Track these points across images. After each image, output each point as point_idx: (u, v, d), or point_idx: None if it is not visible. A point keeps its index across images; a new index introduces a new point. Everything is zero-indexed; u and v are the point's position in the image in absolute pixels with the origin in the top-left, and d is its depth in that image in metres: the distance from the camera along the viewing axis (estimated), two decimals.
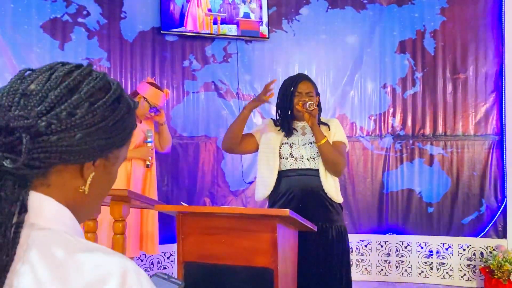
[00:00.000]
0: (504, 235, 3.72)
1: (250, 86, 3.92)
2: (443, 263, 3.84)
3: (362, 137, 4.01)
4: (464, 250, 3.80)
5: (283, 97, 2.31)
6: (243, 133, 2.37)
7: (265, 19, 3.81)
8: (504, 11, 3.71)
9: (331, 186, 2.15)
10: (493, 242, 3.73)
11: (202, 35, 3.69)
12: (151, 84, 2.99)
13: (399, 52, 3.97)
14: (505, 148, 3.73)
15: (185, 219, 1.83)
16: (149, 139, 2.88)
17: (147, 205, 2.10)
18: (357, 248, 3.97)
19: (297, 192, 2.18)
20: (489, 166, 3.81)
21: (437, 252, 3.85)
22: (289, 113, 2.28)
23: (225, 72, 3.84)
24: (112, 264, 0.62)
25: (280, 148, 2.25)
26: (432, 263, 3.86)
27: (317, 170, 2.17)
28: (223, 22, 3.72)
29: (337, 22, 3.98)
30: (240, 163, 3.86)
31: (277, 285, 1.67)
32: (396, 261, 3.91)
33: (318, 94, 2.36)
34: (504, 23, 3.72)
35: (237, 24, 3.75)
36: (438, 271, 3.84)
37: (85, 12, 3.36)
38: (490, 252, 3.69)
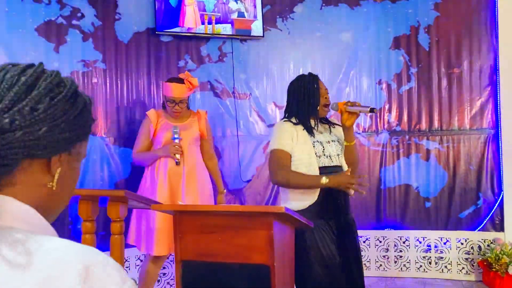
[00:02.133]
0: (501, 228, 3.74)
1: (246, 85, 3.93)
2: (442, 257, 3.86)
3: (359, 133, 4.03)
4: (462, 244, 3.82)
5: (305, 95, 2.24)
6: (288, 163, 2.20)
7: (259, 17, 3.82)
8: (497, 5, 3.73)
9: None
10: (490, 235, 3.75)
11: (197, 35, 3.70)
12: (168, 80, 3.03)
13: (394, 48, 3.99)
14: (501, 142, 3.75)
15: (182, 218, 1.85)
16: (175, 135, 2.86)
17: (144, 205, 2.11)
18: None
19: (327, 188, 2.17)
20: (485, 160, 3.83)
21: (435, 247, 3.87)
22: (316, 109, 2.24)
23: (220, 71, 3.85)
24: (74, 256, 0.61)
25: (314, 147, 2.20)
26: (430, 257, 3.88)
27: (341, 166, 2.23)
28: (218, 21, 3.73)
29: (331, 20, 3.99)
30: (238, 162, 3.87)
31: (274, 282, 1.68)
32: (395, 256, 3.93)
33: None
34: (497, 17, 3.74)
35: (232, 23, 3.76)
36: (437, 265, 3.86)
37: (79, 15, 3.36)
38: (488, 246, 3.71)
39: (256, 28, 3.82)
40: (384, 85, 4.01)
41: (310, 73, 2.36)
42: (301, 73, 4.01)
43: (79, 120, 0.72)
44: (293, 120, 2.26)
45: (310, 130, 2.21)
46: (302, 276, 2.10)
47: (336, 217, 2.17)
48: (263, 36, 3.85)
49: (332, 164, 2.20)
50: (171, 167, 2.86)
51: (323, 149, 2.20)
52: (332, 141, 2.25)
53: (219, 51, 3.84)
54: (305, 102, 2.24)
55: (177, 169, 2.86)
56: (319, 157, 2.18)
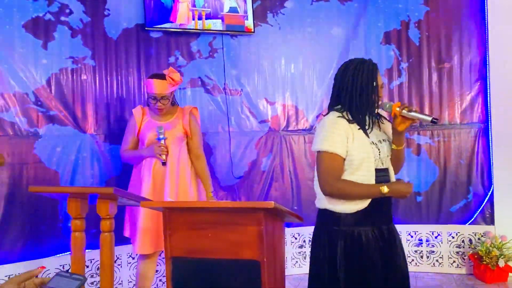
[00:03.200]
0: (491, 222, 3.77)
1: (237, 81, 3.92)
2: (433, 251, 3.88)
3: None
4: (453, 237, 3.85)
5: (365, 87, 1.90)
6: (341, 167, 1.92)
7: (250, 13, 3.81)
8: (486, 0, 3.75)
9: None
10: (481, 228, 3.78)
11: (187, 30, 3.67)
12: (149, 76, 2.96)
13: (385, 43, 3.99)
14: (491, 136, 3.77)
15: (172, 214, 1.84)
16: (160, 136, 2.79)
17: (134, 202, 2.10)
18: None
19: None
20: (476, 154, 3.86)
21: (427, 241, 3.89)
22: (376, 109, 1.94)
23: (211, 67, 3.84)
24: None
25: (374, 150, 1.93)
26: (422, 251, 3.90)
27: (388, 169, 1.97)
28: (208, 17, 3.70)
29: (322, 15, 3.99)
30: (230, 158, 3.86)
31: (264, 277, 1.68)
32: None
33: None
34: (487, 12, 3.76)
35: (222, 18, 3.74)
36: (428, 259, 3.88)
37: (67, 11, 3.33)
38: (479, 239, 3.74)
39: (247, 23, 3.81)
40: None
41: (370, 60, 1.98)
42: (292, 68, 4.08)
43: None
44: (346, 115, 1.92)
45: (365, 130, 1.91)
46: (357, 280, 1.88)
47: (381, 225, 1.94)
48: (253, 32, 3.84)
49: (383, 167, 1.93)
50: (155, 167, 2.80)
51: (379, 152, 1.92)
52: (383, 140, 1.97)
53: (209, 47, 3.82)
54: (364, 96, 1.90)
55: (161, 169, 2.79)
56: (375, 160, 1.90)
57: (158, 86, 2.81)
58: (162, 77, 2.84)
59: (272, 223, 1.80)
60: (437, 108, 3.92)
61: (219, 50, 3.83)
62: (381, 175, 1.90)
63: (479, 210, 3.82)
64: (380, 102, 1.95)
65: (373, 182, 1.88)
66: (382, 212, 1.94)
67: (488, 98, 3.79)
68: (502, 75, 3.70)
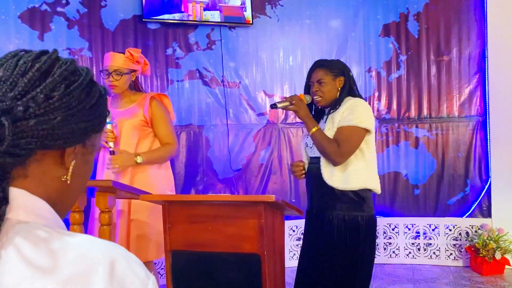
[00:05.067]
0: (488, 215, 3.78)
1: (235, 73, 3.90)
2: (430, 244, 3.90)
3: None
4: (450, 230, 3.87)
5: (304, 88, 2.28)
6: None
7: (248, 4, 3.77)
8: None
9: (330, 173, 2.04)
10: (478, 221, 3.79)
11: (184, 22, 3.64)
12: None
13: (383, 36, 3.97)
14: (489, 129, 3.78)
15: (171, 208, 1.83)
16: (107, 119, 2.49)
17: (133, 195, 2.09)
18: None
19: (307, 179, 2.20)
20: (473, 147, 3.86)
21: (424, 233, 3.91)
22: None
23: (209, 59, 3.81)
24: (98, 252, 0.60)
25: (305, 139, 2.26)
26: (419, 244, 3.92)
27: (319, 157, 2.11)
28: (206, 8, 3.67)
29: (321, 7, 3.96)
30: (228, 151, 3.85)
31: (264, 271, 1.68)
32: (384, 243, 3.96)
33: (341, 74, 2.16)
34: (486, 4, 3.74)
35: (220, 10, 3.71)
36: (425, 251, 3.90)
37: (64, 1, 3.29)
38: (475, 232, 3.76)
39: (245, 15, 3.78)
40: (373, 73, 4.00)
41: (313, 63, 2.27)
42: (290, 61, 4.05)
43: (95, 110, 0.69)
44: None
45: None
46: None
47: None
48: (252, 23, 3.81)
49: (314, 155, 2.20)
50: (107, 158, 2.43)
51: (307, 141, 2.24)
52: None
53: (207, 38, 3.79)
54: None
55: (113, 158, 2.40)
56: (310, 147, 2.21)
57: (111, 58, 2.47)
58: (120, 52, 2.57)
59: (272, 217, 1.80)
60: (435, 101, 3.92)
61: (217, 42, 3.80)
62: (314, 162, 2.15)
63: (476, 203, 3.84)
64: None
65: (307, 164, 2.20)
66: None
67: (487, 91, 3.79)
68: (501, 68, 3.69)
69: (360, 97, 2.17)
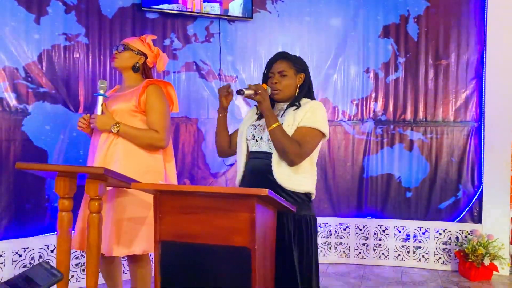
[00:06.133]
0: (479, 220, 3.79)
1: (232, 67, 3.87)
2: (420, 247, 3.90)
3: (344, 121, 4.02)
4: (440, 234, 3.87)
5: (262, 78, 2.16)
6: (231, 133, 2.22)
7: None
8: None
9: (282, 173, 1.96)
10: (468, 226, 3.80)
11: (183, 13, 3.60)
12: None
13: (383, 37, 3.96)
14: (483, 135, 3.78)
15: (163, 198, 1.80)
16: (100, 91, 2.34)
17: (125, 183, 2.05)
18: (336, 231, 4.00)
19: (247, 174, 2.06)
20: (467, 153, 3.86)
21: (414, 236, 3.91)
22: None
23: (207, 52, 3.78)
24: None
25: (247, 131, 2.12)
26: (409, 246, 3.92)
27: (271, 153, 2.00)
28: (206, 0, 3.64)
29: (322, 4, 3.95)
30: None
31: (254, 264, 1.65)
32: (374, 244, 3.96)
33: (302, 71, 2.11)
34: (486, 11, 3.74)
35: (220, 3, 3.68)
36: (415, 254, 3.91)
37: None
38: (465, 237, 3.77)
39: (246, 9, 3.75)
40: (371, 74, 3.99)
41: (276, 53, 2.18)
42: None
43: None
44: None
45: (260, 115, 2.16)
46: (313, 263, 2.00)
47: None
48: (252, 18, 3.78)
49: (260, 150, 2.09)
50: (97, 143, 2.34)
51: (253, 133, 2.15)
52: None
53: (206, 31, 3.76)
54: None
55: (102, 145, 2.32)
56: (249, 140, 2.13)
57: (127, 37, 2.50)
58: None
59: (264, 211, 1.78)
60: (431, 105, 3.92)
61: (215, 35, 3.77)
62: (257, 156, 2.05)
63: (468, 208, 3.85)
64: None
65: (243, 157, 2.11)
66: None
67: (483, 97, 3.79)
68: (499, 75, 3.70)
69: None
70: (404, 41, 3.94)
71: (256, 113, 2.19)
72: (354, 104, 4.01)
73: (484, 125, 3.77)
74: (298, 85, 2.10)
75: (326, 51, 3.97)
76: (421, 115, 3.94)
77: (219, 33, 3.76)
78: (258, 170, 2.02)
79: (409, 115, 3.96)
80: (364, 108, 4.02)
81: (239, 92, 1.99)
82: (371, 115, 4.01)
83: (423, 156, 3.94)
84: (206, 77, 3.79)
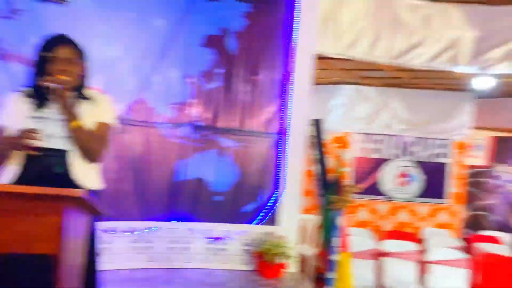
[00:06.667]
0: (276, 223, 4.21)
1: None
2: (225, 249, 4.11)
3: (160, 124, 3.97)
4: (243, 236, 4.15)
5: (38, 61, 1.89)
6: None
7: None
8: (296, 25, 4.20)
9: (83, 172, 1.85)
10: (266, 229, 4.18)
11: None
12: None
13: (205, 46, 4.07)
14: (286, 146, 4.24)
15: None
16: None
17: None
18: (143, 236, 3.90)
19: (33, 176, 1.81)
20: (271, 162, 4.27)
21: (220, 239, 4.10)
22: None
23: (8, 30, 3.25)
24: None
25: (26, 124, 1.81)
26: (215, 249, 4.09)
27: (66, 151, 1.84)
28: None
29: (149, 2, 3.83)
30: None
31: (58, 274, 1.47)
32: (182, 247, 4.00)
33: (87, 60, 1.98)
34: (295, 35, 4.22)
35: None
36: (220, 256, 4.09)
37: None
38: (264, 238, 4.13)
39: None
40: (191, 80, 4.06)
41: (58, 35, 2.00)
42: (106, 51, 3.76)
43: None
44: None
45: (40, 103, 1.94)
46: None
47: None
48: (68, 1, 3.41)
49: (54, 147, 1.91)
50: None
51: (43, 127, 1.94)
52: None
53: (10, 5, 3.23)
54: (35, 70, 1.97)
55: None
56: None
57: None
58: None
59: (75, 215, 1.60)
60: (244, 115, 4.20)
61: (23, 13, 3.28)
62: (51, 154, 1.87)
63: (267, 212, 4.23)
64: None
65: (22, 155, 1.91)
66: None
67: (288, 112, 4.24)
68: (301, 94, 4.20)
69: None
70: (224, 53, 4.13)
71: (36, 104, 1.88)
72: (171, 108, 4.01)
73: (287, 137, 4.22)
74: (83, 75, 1.96)
75: (148, 51, 3.86)
76: (234, 124, 4.18)
77: (27, 11, 3.28)
78: (46, 170, 1.82)
79: (224, 123, 4.16)
80: (181, 112, 4.05)
81: (43, 82, 1.78)
82: (188, 120, 4.07)
83: (233, 163, 4.18)
84: (3, 58, 3.26)
